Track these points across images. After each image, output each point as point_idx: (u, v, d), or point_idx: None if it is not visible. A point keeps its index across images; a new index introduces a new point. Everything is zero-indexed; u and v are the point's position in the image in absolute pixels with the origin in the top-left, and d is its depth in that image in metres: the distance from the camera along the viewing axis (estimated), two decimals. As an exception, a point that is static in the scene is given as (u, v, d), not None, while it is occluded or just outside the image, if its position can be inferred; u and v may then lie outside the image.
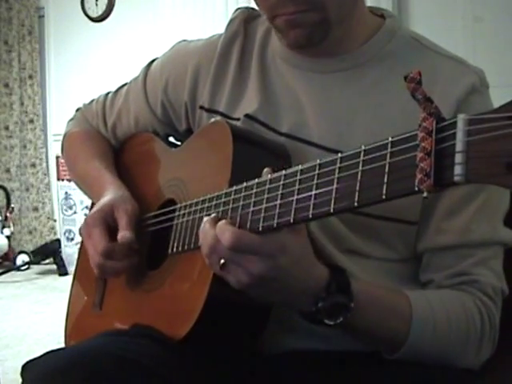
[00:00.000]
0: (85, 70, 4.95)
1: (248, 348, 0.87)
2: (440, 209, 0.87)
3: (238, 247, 0.71)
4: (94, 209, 1.01)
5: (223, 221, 0.75)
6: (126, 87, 1.18)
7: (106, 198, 1.01)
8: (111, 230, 0.98)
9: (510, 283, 0.90)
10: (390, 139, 0.60)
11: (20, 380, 0.82)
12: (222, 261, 0.73)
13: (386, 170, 0.59)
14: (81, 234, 1.02)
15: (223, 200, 0.82)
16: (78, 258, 1.21)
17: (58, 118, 4.97)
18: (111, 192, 1.03)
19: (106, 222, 0.98)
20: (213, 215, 0.78)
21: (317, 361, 0.88)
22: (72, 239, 4.70)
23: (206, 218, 0.78)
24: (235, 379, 0.86)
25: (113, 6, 4.93)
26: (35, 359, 0.82)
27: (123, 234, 0.96)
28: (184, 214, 0.91)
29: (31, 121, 5.31)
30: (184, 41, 1.12)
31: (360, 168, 0.62)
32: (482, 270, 0.86)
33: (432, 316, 0.82)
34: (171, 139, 1.13)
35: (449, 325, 0.83)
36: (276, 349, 0.90)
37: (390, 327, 0.81)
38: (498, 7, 3.44)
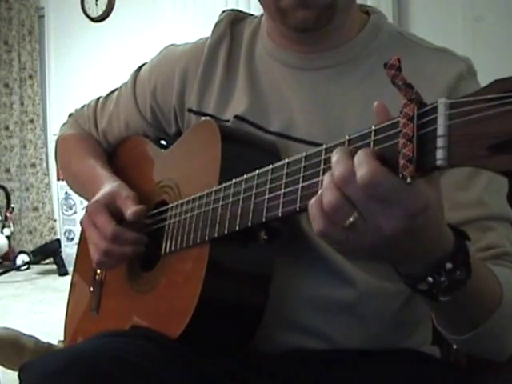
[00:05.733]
0: (85, 69, 4.95)
1: (244, 346, 0.87)
2: (445, 186, 0.83)
3: (384, 196, 0.58)
4: (94, 198, 1.01)
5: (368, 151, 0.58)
6: (116, 92, 1.19)
7: (104, 190, 1.02)
8: (114, 217, 0.98)
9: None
10: (373, 127, 0.60)
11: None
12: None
13: None
14: (82, 225, 1.02)
15: (213, 198, 0.83)
16: (76, 261, 1.21)
17: (58, 118, 4.96)
18: (108, 185, 1.03)
19: (108, 209, 0.98)
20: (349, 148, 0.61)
21: (317, 360, 0.88)
22: (72, 239, 4.69)
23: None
24: (234, 379, 0.86)
25: (113, 5, 4.93)
26: (33, 360, 0.81)
27: (134, 208, 0.95)
28: (175, 214, 0.92)
29: (31, 121, 5.32)
30: (172, 45, 1.13)
31: None
32: (508, 243, 0.83)
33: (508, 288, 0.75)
34: (163, 142, 1.13)
35: None
36: (276, 348, 0.89)
37: (489, 294, 0.73)
38: (498, 7, 3.44)
